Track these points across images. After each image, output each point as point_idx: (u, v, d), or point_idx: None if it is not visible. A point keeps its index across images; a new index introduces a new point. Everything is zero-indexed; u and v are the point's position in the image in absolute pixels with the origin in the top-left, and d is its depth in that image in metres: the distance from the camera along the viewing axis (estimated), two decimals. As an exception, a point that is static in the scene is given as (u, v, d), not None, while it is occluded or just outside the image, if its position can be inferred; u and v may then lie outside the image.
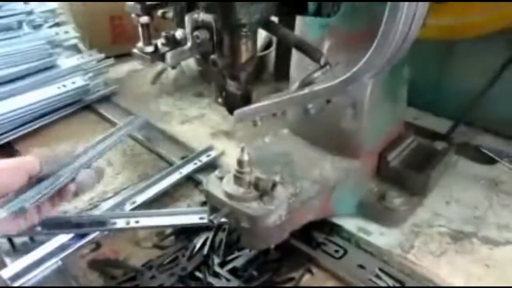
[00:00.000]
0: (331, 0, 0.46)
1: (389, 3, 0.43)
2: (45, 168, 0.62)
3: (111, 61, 1.34)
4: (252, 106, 0.58)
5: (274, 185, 0.64)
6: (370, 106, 0.73)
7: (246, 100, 0.59)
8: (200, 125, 1.14)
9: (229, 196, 0.65)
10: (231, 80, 0.57)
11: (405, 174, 0.80)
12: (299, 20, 0.76)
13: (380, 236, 0.77)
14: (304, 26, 0.75)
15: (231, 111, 0.60)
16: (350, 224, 0.79)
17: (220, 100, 0.60)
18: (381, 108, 0.77)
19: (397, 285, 0.68)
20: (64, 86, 1.17)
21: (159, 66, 1.35)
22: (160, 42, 0.59)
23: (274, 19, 0.60)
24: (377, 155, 0.82)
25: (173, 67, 0.58)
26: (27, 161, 0.59)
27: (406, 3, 0.43)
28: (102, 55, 1.31)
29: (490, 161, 0.96)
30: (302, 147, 0.81)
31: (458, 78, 1.05)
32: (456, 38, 0.90)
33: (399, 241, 0.75)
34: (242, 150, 0.62)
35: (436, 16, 0.82)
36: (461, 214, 0.81)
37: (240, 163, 0.63)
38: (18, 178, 0.57)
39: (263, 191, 0.64)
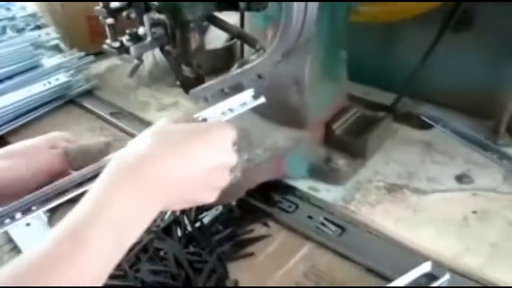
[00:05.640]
0: (247, 0, 0.59)
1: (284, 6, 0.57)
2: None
3: (91, 58, 1.45)
4: (203, 85, 0.70)
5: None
6: (310, 83, 0.86)
7: (199, 82, 0.72)
8: (175, 111, 1.26)
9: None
10: (185, 66, 0.70)
11: (347, 140, 0.94)
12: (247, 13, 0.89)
13: (327, 192, 0.90)
14: (251, 18, 0.88)
15: (187, 91, 0.73)
16: (302, 184, 0.92)
17: (178, 82, 0.73)
18: (322, 85, 0.90)
19: (339, 230, 0.82)
20: (49, 83, 1.29)
21: (135, 60, 1.46)
22: (125, 38, 0.71)
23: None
24: (323, 125, 0.95)
25: (138, 58, 0.70)
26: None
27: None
28: (82, 53, 1.43)
29: (428, 127, 1.09)
30: (258, 122, 0.94)
31: (400, 54, 1.18)
32: (389, 20, 1.03)
33: (343, 195, 0.89)
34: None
35: (367, 5, 0.96)
36: (397, 171, 0.95)
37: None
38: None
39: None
